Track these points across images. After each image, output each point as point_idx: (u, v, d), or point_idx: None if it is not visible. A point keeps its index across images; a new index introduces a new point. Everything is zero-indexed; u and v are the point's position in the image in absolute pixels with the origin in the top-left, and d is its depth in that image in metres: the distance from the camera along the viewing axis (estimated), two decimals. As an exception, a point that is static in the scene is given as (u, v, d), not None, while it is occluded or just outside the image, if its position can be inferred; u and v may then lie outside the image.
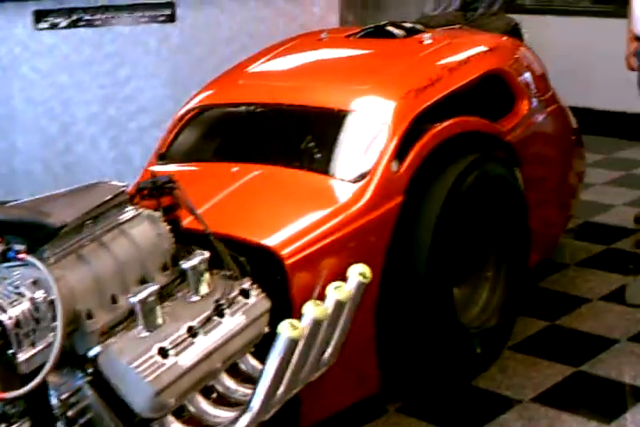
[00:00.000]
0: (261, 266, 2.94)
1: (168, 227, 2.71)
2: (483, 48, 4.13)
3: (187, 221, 2.88)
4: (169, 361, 2.45)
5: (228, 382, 2.74)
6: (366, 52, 4.20)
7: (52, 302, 2.26)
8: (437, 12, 5.80)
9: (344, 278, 2.85)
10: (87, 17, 5.37)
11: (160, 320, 2.51)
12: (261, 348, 2.74)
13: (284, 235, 3.07)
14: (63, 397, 2.37)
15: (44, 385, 2.29)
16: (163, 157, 3.76)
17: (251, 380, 2.76)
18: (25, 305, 2.23)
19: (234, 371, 2.78)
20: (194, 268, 2.67)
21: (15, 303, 2.22)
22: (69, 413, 2.38)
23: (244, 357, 2.81)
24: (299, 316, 2.65)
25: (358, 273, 2.85)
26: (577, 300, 4.25)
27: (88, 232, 2.49)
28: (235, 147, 3.75)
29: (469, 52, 4.04)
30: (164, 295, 2.60)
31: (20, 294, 2.24)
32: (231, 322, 2.68)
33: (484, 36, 4.54)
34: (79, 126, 5.52)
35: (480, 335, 3.64)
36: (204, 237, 2.80)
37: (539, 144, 4.23)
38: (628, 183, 5.85)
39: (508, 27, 5.41)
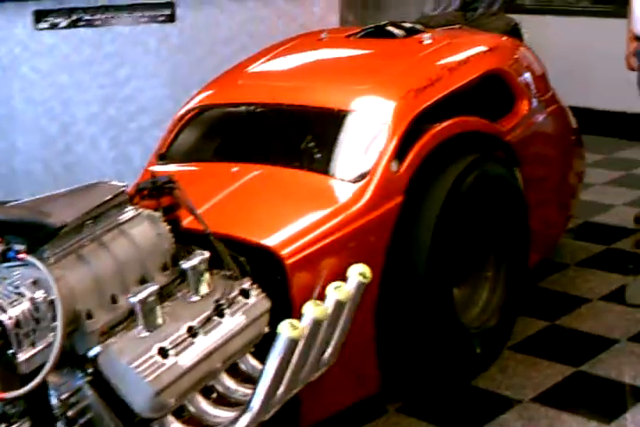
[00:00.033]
0: (261, 266, 2.94)
1: (168, 227, 2.71)
2: (482, 48, 4.14)
3: (187, 221, 2.88)
4: (169, 361, 2.45)
5: (228, 382, 2.74)
6: (366, 52, 4.20)
7: (51, 302, 2.26)
8: (437, 12, 5.79)
9: (344, 278, 2.85)
10: (87, 17, 5.37)
11: (160, 320, 2.51)
12: (261, 348, 2.74)
13: (284, 235, 3.07)
14: (63, 397, 2.37)
15: (43, 385, 2.29)
16: (163, 157, 3.76)
17: (251, 380, 2.76)
18: (25, 305, 2.23)
19: (234, 371, 2.78)
20: (194, 268, 2.67)
21: (15, 303, 2.22)
22: (69, 413, 2.38)
23: (243, 357, 2.81)
24: (299, 316, 2.65)
25: (358, 273, 2.85)
26: (577, 300, 4.25)
27: (88, 232, 2.49)
28: (235, 147, 3.75)
29: (469, 52, 4.04)
30: (163, 295, 2.60)
31: (20, 294, 2.24)
32: (231, 322, 2.68)
33: (483, 36, 4.54)
34: (79, 126, 5.52)
35: (480, 335, 3.64)
36: (204, 237, 2.80)
37: (539, 144, 4.23)
38: (628, 183, 5.85)
39: (507, 27, 5.41)
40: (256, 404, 2.57)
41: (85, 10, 5.36)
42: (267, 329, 2.79)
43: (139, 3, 5.45)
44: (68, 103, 5.48)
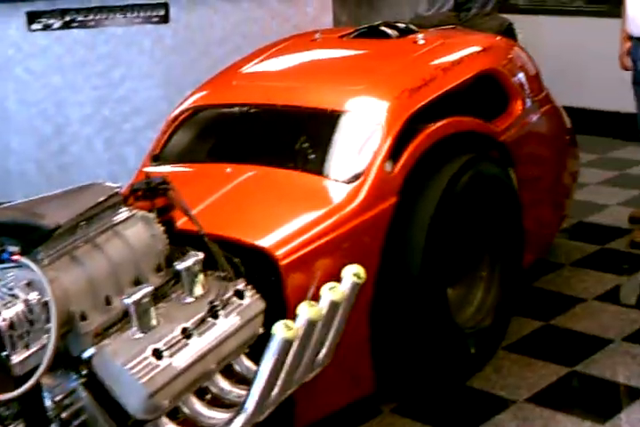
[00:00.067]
0: (256, 267, 2.94)
1: (162, 228, 2.70)
2: (476, 48, 4.14)
3: (181, 222, 2.88)
4: (163, 362, 2.45)
5: (223, 383, 2.74)
6: (360, 52, 4.20)
7: (45, 304, 2.26)
8: (431, 12, 5.78)
9: (338, 279, 2.85)
10: (80, 18, 5.36)
11: (154, 321, 2.51)
12: (256, 349, 2.73)
13: (279, 236, 3.07)
14: (57, 398, 2.37)
15: (37, 387, 2.28)
16: (157, 158, 3.75)
17: (245, 381, 2.75)
18: (19, 307, 2.23)
19: (228, 372, 2.78)
20: (188, 269, 2.67)
21: (9, 305, 2.22)
22: (63, 414, 2.38)
23: (238, 358, 2.81)
24: (293, 316, 2.65)
25: (353, 274, 2.86)
26: (571, 300, 4.25)
27: (82, 233, 2.48)
28: (229, 147, 3.74)
29: (463, 53, 4.04)
30: (158, 296, 2.60)
31: (14, 296, 2.24)
32: (225, 323, 2.67)
33: (477, 37, 4.55)
34: (73, 127, 5.51)
35: (474, 335, 3.64)
36: (199, 238, 2.80)
37: (533, 144, 4.23)
38: (622, 183, 5.85)
39: (501, 27, 5.42)
40: (250, 405, 2.57)
41: (79, 11, 5.35)
42: (261, 330, 2.79)
43: (132, 4, 5.43)
44: (62, 104, 5.47)
